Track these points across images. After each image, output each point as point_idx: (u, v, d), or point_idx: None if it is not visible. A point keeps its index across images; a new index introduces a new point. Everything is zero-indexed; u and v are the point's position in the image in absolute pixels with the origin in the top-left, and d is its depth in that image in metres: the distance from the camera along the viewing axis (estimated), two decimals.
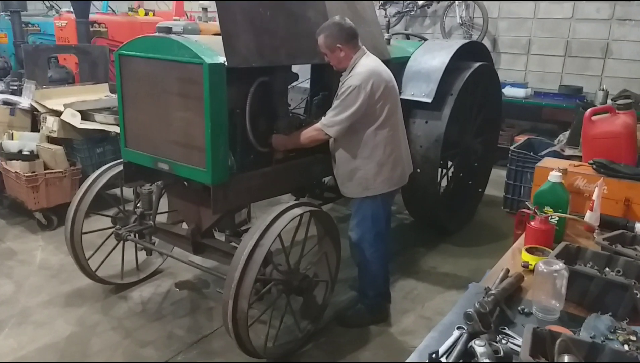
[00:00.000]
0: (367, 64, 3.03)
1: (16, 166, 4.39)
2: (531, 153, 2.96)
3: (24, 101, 4.75)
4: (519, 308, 1.49)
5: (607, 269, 1.61)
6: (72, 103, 4.61)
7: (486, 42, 7.23)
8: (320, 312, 3.23)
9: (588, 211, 2.08)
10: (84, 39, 6.84)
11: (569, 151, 2.80)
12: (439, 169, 5.06)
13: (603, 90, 6.08)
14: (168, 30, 2.86)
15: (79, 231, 3.33)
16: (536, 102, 6.62)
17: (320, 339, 3.18)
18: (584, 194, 2.23)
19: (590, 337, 1.32)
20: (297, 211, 2.85)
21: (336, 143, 3.16)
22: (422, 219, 4.79)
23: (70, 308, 3.42)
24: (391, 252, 3.66)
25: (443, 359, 1.20)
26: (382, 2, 7.75)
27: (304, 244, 3.00)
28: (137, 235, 3.45)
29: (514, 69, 7.27)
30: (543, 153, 2.94)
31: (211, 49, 2.75)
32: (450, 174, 5.19)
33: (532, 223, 1.91)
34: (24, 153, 4.44)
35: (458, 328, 1.36)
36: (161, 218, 3.61)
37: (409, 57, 4.37)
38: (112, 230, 3.47)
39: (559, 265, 1.45)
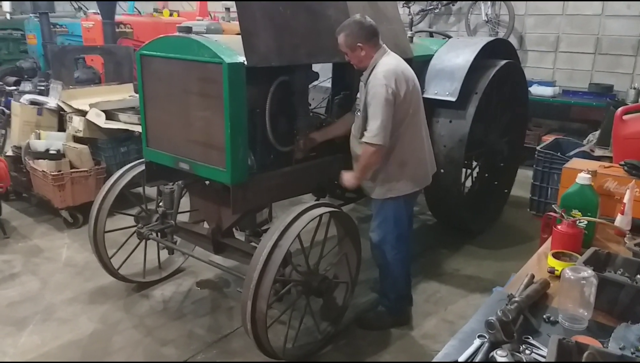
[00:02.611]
0: (389, 63, 2.97)
1: (43, 165, 4.48)
2: (558, 154, 2.86)
3: (51, 101, 4.84)
4: (544, 316, 1.43)
5: (639, 276, 1.53)
6: (97, 103, 4.67)
7: (513, 40, 7.07)
8: (340, 314, 3.19)
9: (619, 214, 1.99)
10: (109, 39, 6.95)
11: (598, 152, 2.70)
12: (464, 169, 4.99)
13: (635, 88, 5.87)
14: (188, 30, 2.86)
15: (102, 230, 3.37)
16: (565, 101, 6.45)
17: (340, 341, 3.14)
18: (614, 197, 2.14)
19: (620, 348, 1.26)
20: (317, 211, 2.82)
21: (357, 144, 3.11)
22: (445, 220, 4.71)
23: (94, 306, 3.46)
24: (413, 254, 3.59)
25: None
26: (406, 0, 7.65)
27: (324, 245, 2.97)
28: (159, 233, 3.47)
29: (542, 67, 7.09)
30: (571, 153, 2.84)
31: (231, 48, 2.75)
32: (475, 174, 5.10)
33: (559, 226, 1.84)
34: (51, 152, 4.52)
35: (479, 336, 1.31)
36: (184, 217, 3.64)
37: (433, 55, 4.30)
38: (135, 228, 3.50)
39: (587, 272, 1.38)
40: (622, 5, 6.32)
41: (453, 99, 4.02)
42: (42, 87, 5.25)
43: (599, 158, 2.60)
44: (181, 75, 2.88)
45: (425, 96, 4.10)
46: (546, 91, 6.44)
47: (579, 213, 1.89)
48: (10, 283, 3.72)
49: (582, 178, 1.92)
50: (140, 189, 3.63)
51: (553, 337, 1.14)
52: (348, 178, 3.06)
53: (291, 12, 2.98)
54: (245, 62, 2.69)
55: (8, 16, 9.43)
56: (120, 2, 9.56)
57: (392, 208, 3.13)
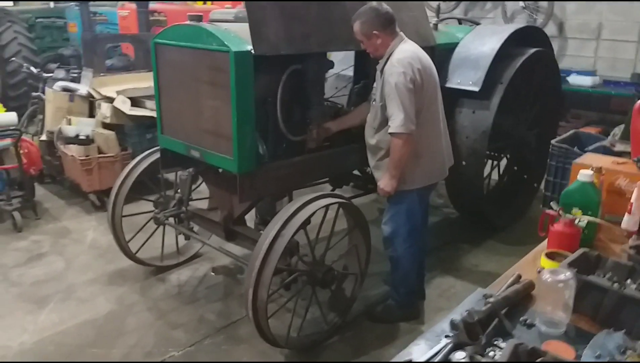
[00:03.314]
0: (406, 50, 2.89)
1: (73, 149, 4.64)
2: (575, 148, 2.72)
3: (82, 88, 4.99)
4: (521, 319, 1.37)
5: (629, 281, 1.44)
6: (124, 90, 4.79)
7: (552, 27, 6.78)
8: (348, 305, 3.18)
9: (626, 214, 1.88)
10: (144, 27, 7.08)
11: (619, 147, 2.54)
12: (490, 162, 4.84)
13: None
14: (199, 19, 2.88)
15: (120, 214, 3.47)
16: (605, 91, 6.14)
17: (346, 333, 3.13)
18: (625, 195, 2.02)
19: (595, 357, 1.19)
20: (322, 202, 2.80)
21: (372, 134, 3.05)
22: (468, 213, 4.60)
23: (112, 287, 3.58)
24: (428, 248, 3.53)
25: None
26: None
27: (331, 236, 2.95)
28: (175, 219, 3.55)
29: (582, 56, 6.76)
30: (590, 147, 2.69)
31: (239, 37, 2.74)
32: (502, 167, 4.95)
33: (555, 225, 1.76)
34: (80, 137, 4.67)
35: (446, 336, 1.27)
36: (204, 204, 3.70)
37: (458, 43, 4.17)
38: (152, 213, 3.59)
39: (566, 274, 1.31)
40: None
41: (476, 88, 3.89)
42: (75, 75, 5.43)
43: (619, 154, 2.45)
44: (192, 63, 2.91)
45: (447, 85, 4.00)
46: (585, 81, 6.15)
47: (579, 212, 1.80)
48: (38, 262, 3.90)
49: (584, 175, 1.82)
50: (168, 176, 3.70)
51: (510, 342, 1.09)
52: (385, 182, 2.93)
53: (303, 1, 2.95)
54: (253, 51, 2.68)
55: (52, 4, 9.77)
56: None
57: (405, 200, 3.07)
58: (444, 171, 3.21)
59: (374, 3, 2.92)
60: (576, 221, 1.75)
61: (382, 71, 2.92)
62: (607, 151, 2.51)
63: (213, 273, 3.79)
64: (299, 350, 2.93)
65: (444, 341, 1.25)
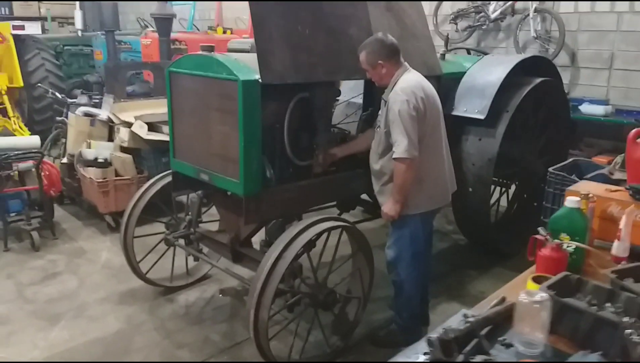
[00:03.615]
0: (409, 80, 2.99)
1: (91, 172, 4.81)
2: (573, 176, 2.76)
3: (103, 114, 5.20)
4: (500, 339, 1.41)
5: (608, 304, 1.47)
6: (142, 116, 4.97)
7: (564, 56, 6.83)
8: (351, 329, 3.21)
9: (615, 240, 1.91)
10: (165, 56, 7.36)
11: (618, 175, 2.58)
12: (499, 189, 4.87)
13: None
14: (211, 49, 3.02)
15: (131, 235, 3.59)
16: (617, 120, 6.13)
17: (348, 356, 3.16)
18: (617, 222, 2.05)
19: None
20: (325, 225, 2.87)
21: (377, 160, 3.13)
22: (475, 240, 4.61)
23: (122, 306, 3.67)
24: (432, 273, 3.55)
25: None
26: (453, 16, 7.59)
27: (333, 259, 3.01)
28: (186, 241, 3.65)
29: (595, 85, 6.78)
30: (589, 175, 2.73)
31: (248, 66, 2.88)
32: (512, 194, 4.97)
33: (543, 250, 1.80)
34: (99, 160, 4.85)
35: (425, 353, 1.32)
36: (214, 226, 3.80)
37: (465, 72, 4.26)
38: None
39: (541, 296, 1.36)
40: None
41: (482, 117, 3.96)
42: (97, 100, 5.66)
43: (617, 182, 2.48)
44: (203, 91, 3.05)
45: (454, 113, 4.08)
46: (597, 110, 6.15)
47: (567, 237, 1.84)
48: (52, 281, 4.02)
49: (571, 201, 1.86)
50: (181, 199, 3.82)
51: (478, 357, 1.14)
52: (389, 207, 2.99)
53: (310, 32, 3.08)
54: (260, 80, 2.81)
55: (79, 33, 10.19)
56: (182, 21, 10.14)
57: (408, 225, 3.12)
58: (447, 197, 3.27)
59: (380, 34, 3.04)
60: (564, 246, 1.79)
61: (386, 99, 3.01)
62: (605, 179, 2.54)
63: (220, 295, 3.84)
64: None
65: (423, 358, 1.30)
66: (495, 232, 4.41)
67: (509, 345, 1.38)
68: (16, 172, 4.61)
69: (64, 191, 5.36)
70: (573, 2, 6.77)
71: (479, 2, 7.39)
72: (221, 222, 3.75)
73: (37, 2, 12.37)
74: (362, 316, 3.25)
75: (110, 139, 5.27)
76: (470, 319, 1.39)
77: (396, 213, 3.00)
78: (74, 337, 3.29)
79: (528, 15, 6.86)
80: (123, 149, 5.02)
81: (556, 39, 6.82)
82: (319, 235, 2.97)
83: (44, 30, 11.69)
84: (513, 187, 4.96)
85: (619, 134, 6.51)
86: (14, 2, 12.01)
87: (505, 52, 7.42)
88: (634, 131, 2.28)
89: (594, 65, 6.79)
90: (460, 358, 1.26)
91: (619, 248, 1.91)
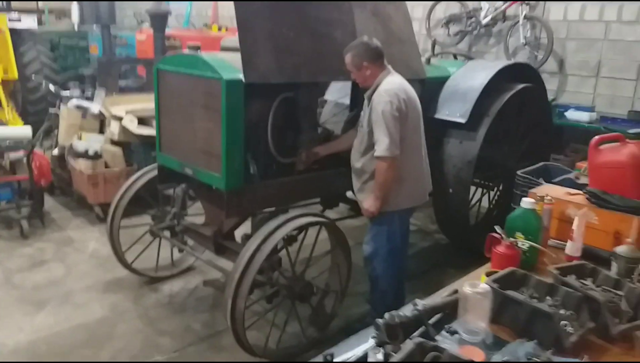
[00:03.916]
0: (393, 81, 3.10)
1: (81, 164, 4.90)
2: (541, 179, 2.88)
3: (94, 107, 5.29)
4: (446, 326, 1.52)
5: (548, 298, 1.58)
6: (132, 110, 5.06)
7: (553, 63, 6.96)
8: (327, 321, 3.33)
9: (569, 241, 2.03)
10: (159, 51, 7.41)
11: (583, 180, 2.70)
12: (482, 191, 4.99)
13: None
14: (197, 48, 3.12)
15: (117, 226, 3.69)
16: (599, 127, 6.25)
17: (324, 348, 3.21)
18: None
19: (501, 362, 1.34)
20: (303, 220, 2.98)
21: (358, 158, 3.24)
22: (455, 240, 4.73)
23: (107, 294, 3.77)
24: (410, 270, 3.67)
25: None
26: (445, 20, 7.71)
27: (312, 253, 3.12)
28: (171, 233, 3.75)
29: (582, 92, 6.91)
30: (556, 179, 2.85)
31: (233, 66, 2.97)
32: (495, 197, 5.08)
33: (498, 247, 1.91)
34: (89, 153, 4.94)
35: (373, 337, 1.43)
36: (201, 219, 3.89)
37: (449, 76, 4.37)
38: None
39: (482, 287, 1.47)
40: None
41: (463, 120, 4.07)
42: (90, 93, 5.74)
43: (581, 186, 2.60)
44: (189, 88, 3.15)
45: (437, 116, 4.19)
46: (582, 116, 6.29)
47: (522, 236, 1.95)
48: (40, 268, 4.12)
49: (526, 203, 1.98)
50: (169, 191, 3.93)
51: (414, 339, 1.24)
52: (370, 203, 3.10)
53: (295, 34, 3.18)
54: (244, 79, 2.91)
55: (76, 27, 10.24)
56: (178, 17, 10.21)
57: (387, 221, 3.23)
58: (424, 196, 3.38)
59: (365, 38, 3.15)
60: (517, 245, 1.90)
61: (369, 99, 3.12)
62: (572, 183, 2.66)
63: (204, 286, 3.96)
64: (276, 361, 3.07)
65: (370, 341, 1.41)
66: (475, 232, 4.52)
67: (453, 332, 1.50)
68: (8, 161, 4.70)
69: (55, 181, 5.45)
70: (562, 10, 6.90)
71: (471, 7, 7.51)
72: (206, 215, 3.85)
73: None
74: (338, 309, 3.36)
75: (101, 132, 5.36)
76: (419, 307, 1.50)
77: (377, 210, 3.11)
78: (58, 322, 3.39)
79: (518, 22, 6.98)
80: (113, 142, 5.11)
81: (544, 46, 6.95)
82: (300, 230, 3.09)
83: (40, 23, 11.74)
84: (495, 190, 5.08)
85: None
86: None
87: (496, 58, 7.54)
88: (595, 138, 2.40)
89: (581, 72, 6.92)
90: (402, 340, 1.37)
91: (572, 247, 2.02)
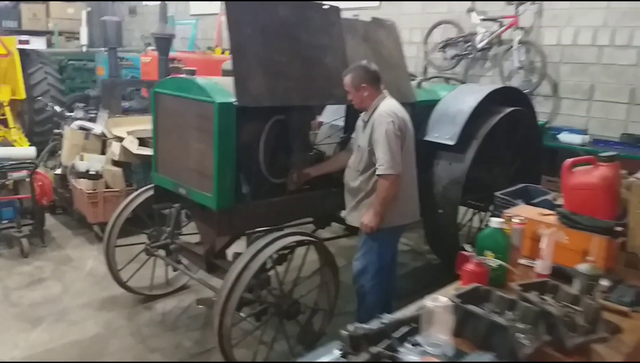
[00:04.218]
0: (391, 104, 3.27)
1: (82, 183, 5.03)
2: (520, 201, 2.97)
3: (97, 128, 5.44)
4: (410, 339, 1.60)
5: (508, 312, 1.66)
6: (134, 131, 5.21)
7: (547, 87, 7.09)
8: (315, 339, 3.38)
9: (538, 259, 2.11)
10: (163, 73, 7.61)
11: (560, 201, 2.78)
12: (472, 212, 5.07)
13: None
14: (192, 72, 3.26)
15: (113, 245, 3.79)
16: (593, 149, 6.34)
17: None
18: None
19: None
20: (291, 239, 3.07)
21: (356, 177, 3.33)
22: (445, 259, 4.79)
23: (102, 312, 3.85)
24: (399, 289, 3.73)
25: None
26: (442, 44, 7.88)
27: (300, 272, 3.20)
28: (165, 251, 3.84)
29: (575, 115, 7.02)
30: (535, 201, 2.93)
31: (225, 90, 3.10)
32: (488, 217, 5.15)
33: (468, 264, 1.99)
34: (90, 172, 5.07)
35: (338, 348, 1.51)
36: (196, 239, 3.99)
37: (439, 100, 4.49)
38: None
39: (444, 302, 1.55)
40: None
41: (452, 142, 4.17)
42: (93, 115, 5.90)
43: (558, 207, 2.68)
44: (184, 111, 3.28)
45: (427, 138, 4.30)
46: (575, 139, 6.38)
47: (492, 254, 2.03)
48: (37, 286, 4.21)
49: (494, 222, 2.06)
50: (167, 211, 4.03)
51: (371, 349, 1.32)
52: (369, 218, 3.18)
53: (287, 59, 3.32)
54: (236, 103, 3.03)
55: (84, 48, 10.53)
56: (184, 40, 10.46)
57: (379, 238, 3.31)
58: (416, 214, 3.49)
59: (364, 62, 3.31)
60: (485, 263, 1.98)
61: (366, 121, 3.25)
62: (550, 204, 2.74)
63: (198, 305, 4.03)
64: None
65: (336, 352, 1.49)
66: None
67: (416, 344, 1.57)
68: (11, 181, 4.83)
69: (57, 201, 5.57)
70: (556, 35, 7.05)
71: (467, 32, 7.68)
72: (200, 234, 3.94)
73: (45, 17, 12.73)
74: (326, 327, 3.42)
75: (103, 152, 5.50)
76: (384, 320, 1.58)
77: (376, 224, 3.19)
78: (53, 339, 3.47)
79: (512, 46, 7.13)
80: (114, 163, 5.24)
81: (538, 70, 7.09)
82: (289, 249, 3.18)
83: (50, 45, 12.05)
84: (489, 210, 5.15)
85: None
86: (23, 16, 12.37)
87: (491, 81, 7.68)
88: (569, 161, 2.48)
89: (574, 96, 7.03)
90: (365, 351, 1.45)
91: (542, 266, 2.10)
